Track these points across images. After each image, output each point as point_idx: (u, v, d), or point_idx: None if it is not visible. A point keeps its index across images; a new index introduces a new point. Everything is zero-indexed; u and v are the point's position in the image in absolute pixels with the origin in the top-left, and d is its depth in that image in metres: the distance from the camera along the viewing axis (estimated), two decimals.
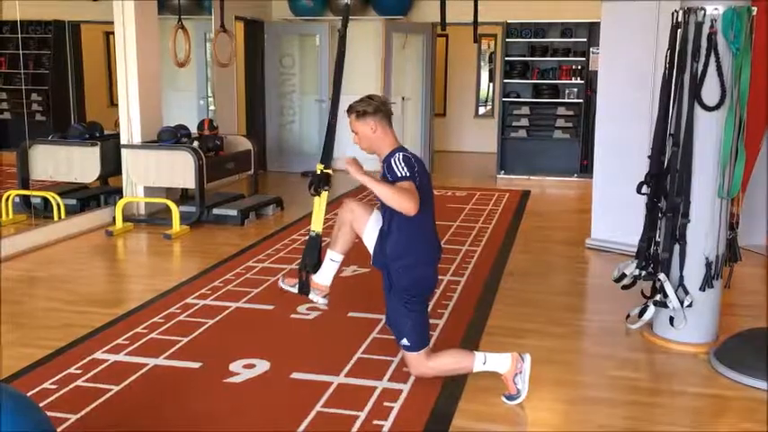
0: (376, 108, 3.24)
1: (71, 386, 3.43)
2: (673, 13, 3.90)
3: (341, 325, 4.25)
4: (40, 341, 3.98)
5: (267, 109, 10.26)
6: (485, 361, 3.32)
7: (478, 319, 4.36)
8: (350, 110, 3.28)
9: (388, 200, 3.03)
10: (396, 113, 9.63)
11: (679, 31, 3.83)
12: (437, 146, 11.20)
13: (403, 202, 2.99)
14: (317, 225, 3.47)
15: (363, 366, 3.67)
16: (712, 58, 3.70)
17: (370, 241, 3.37)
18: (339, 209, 3.43)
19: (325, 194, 3.42)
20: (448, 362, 3.35)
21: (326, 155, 3.51)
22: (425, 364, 3.32)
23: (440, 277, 5.07)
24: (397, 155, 3.17)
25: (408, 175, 3.08)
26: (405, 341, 3.29)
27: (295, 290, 3.55)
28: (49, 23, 9.28)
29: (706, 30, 3.70)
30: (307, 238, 3.60)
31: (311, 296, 3.51)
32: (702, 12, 3.70)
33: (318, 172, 3.40)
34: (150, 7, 7.08)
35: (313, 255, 3.47)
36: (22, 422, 2.14)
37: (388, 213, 3.23)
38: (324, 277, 3.48)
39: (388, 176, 3.13)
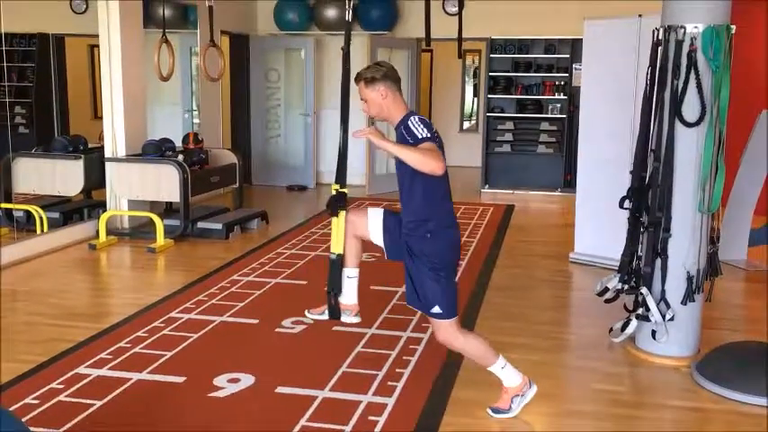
0: (384, 74, 3.17)
1: (54, 401, 3.40)
2: (653, 31, 3.96)
3: (326, 339, 4.25)
4: (21, 356, 3.95)
5: (252, 123, 10.28)
6: (504, 366, 3.31)
7: None
8: (358, 77, 3.21)
9: (416, 162, 2.94)
10: (381, 128, 9.74)
11: (660, 48, 3.89)
12: None
13: (431, 162, 2.91)
14: (336, 247, 3.39)
15: (348, 380, 3.67)
16: (692, 76, 3.77)
17: (378, 238, 3.33)
18: None
19: (342, 214, 3.35)
20: (476, 345, 3.29)
21: (341, 174, 3.44)
22: (455, 333, 3.23)
23: None
24: (413, 118, 3.11)
25: (429, 136, 3.02)
26: (436, 309, 3.17)
27: (324, 316, 3.49)
28: (33, 36, 9.24)
29: (686, 47, 3.77)
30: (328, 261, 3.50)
31: (343, 318, 3.46)
32: (683, 30, 3.77)
33: (334, 192, 3.35)
34: (135, 20, 7.08)
35: (337, 277, 3.41)
36: None
37: (407, 179, 3.14)
38: (348, 297, 3.44)
39: (408, 139, 3.05)
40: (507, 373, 3.32)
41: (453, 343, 3.27)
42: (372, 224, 3.33)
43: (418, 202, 3.15)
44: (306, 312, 3.61)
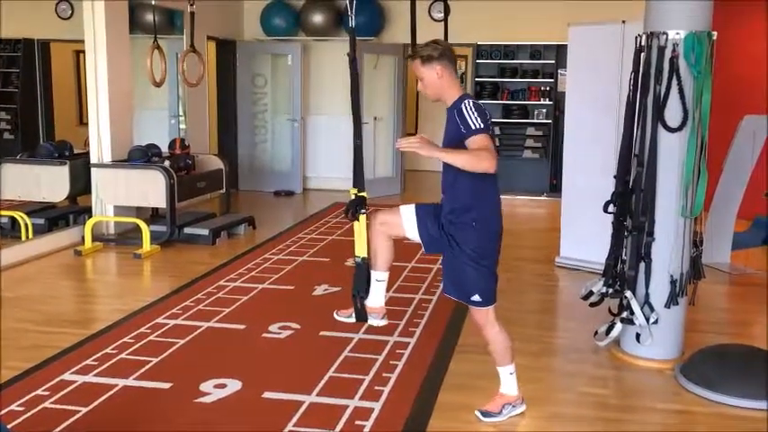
0: (441, 53, 3.10)
1: (39, 407, 3.38)
2: (636, 38, 4.01)
3: (312, 344, 4.25)
4: (6, 362, 3.92)
5: (239, 128, 10.27)
6: (512, 373, 3.35)
7: (450, 337, 4.39)
8: (414, 55, 3.15)
9: (467, 166, 2.93)
10: (368, 133, 9.79)
11: (642, 54, 3.94)
12: (409, 165, 11.27)
13: (482, 163, 2.89)
14: (360, 250, 3.39)
15: (335, 385, 3.68)
16: (674, 81, 3.81)
17: (414, 233, 3.30)
18: (369, 230, 3.37)
19: (363, 218, 3.34)
20: (504, 341, 3.31)
21: (358, 178, 3.41)
22: (492, 321, 3.26)
23: (411, 296, 5.13)
24: (466, 102, 3.03)
25: (483, 126, 2.96)
26: (476, 297, 3.19)
27: (352, 319, 3.50)
28: (18, 42, 9.21)
29: (668, 54, 3.81)
30: (353, 265, 3.52)
31: (370, 321, 3.46)
32: (665, 36, 3.81)
33: (353, 197, 3.34)
34: (121, 25, 7.07)
35: (363, 280, 3.41)
36: None
37: (453, 169, 3.07)
38: (376, 300, 3.44)
39: (462, 128, 2.99)
40: (510, 382, 3.36)
41: (487, 329, 3.30)
42: (407, 221, 3.30)
43: (465, 191, 3.14)
44: (335, 314, 3.60)
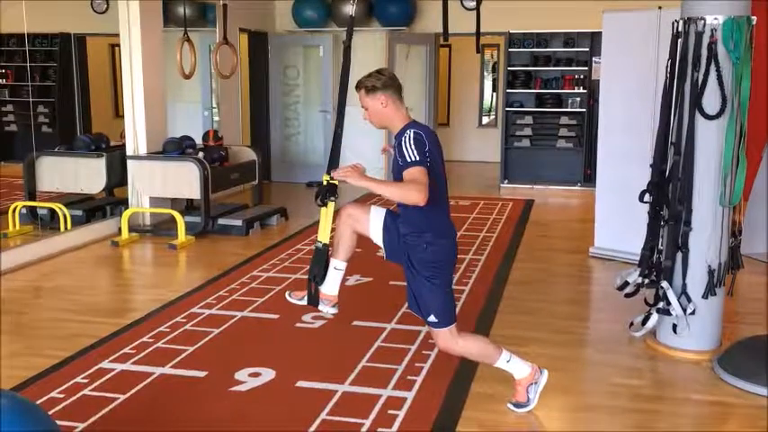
0: (385, 83, 3.18)
1: (78, 395, 3.46)
2: (673, 23, 3.94)
3: (345, 334, 4.27)
4: (46, 351, 4.01)
5: (271, 119, 10.33)
6: (509, 359, 3.31)
7: (482, 328, 4.38)
8: (359, 85, 3.22)
9: (397, 198, 2.99)
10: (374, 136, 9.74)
11: (679, 40, 3.87)
12: None
13: (410, 196, 2.93)
14: (323, 236, 3.43)
15: (368, 374, 3.69)
16: (713, 68, 3.73)
17: (378, 237, 3.33)
18: (337, 218, 3.41)
19: (331, 205, 3.39)
20: (477, 346, 3.31)
21: (333, 165, 3.48)
22: (454, 339, 3.25)
23: None
24: (407, 133, 3.07)
25: (418, 159, 2.98)
26: (432, 318, 3.20)
27: (303, 302, 3.52)
28: (55, 36, 9.37)
29: (706, 39, 3.74)
30: (313, 248, 3.56)
31: (321, 307, 3.48)
32: (702, 22, 3.74)
33: (324, 183, 3.38)
34: (155, 19, 7.15)
35: (320, 266, 3.43)
36: (23, 423, 2.16)
37: None
38: (330, 287, 3.45)
39: (399, 160, 3.05)
40: (514, 366, 3.33)
41: (453, 348, 3.29)
42: (374, 223, 3.32)
43: (414, 213, 3.14)
44: (286, 295, 3.61)
